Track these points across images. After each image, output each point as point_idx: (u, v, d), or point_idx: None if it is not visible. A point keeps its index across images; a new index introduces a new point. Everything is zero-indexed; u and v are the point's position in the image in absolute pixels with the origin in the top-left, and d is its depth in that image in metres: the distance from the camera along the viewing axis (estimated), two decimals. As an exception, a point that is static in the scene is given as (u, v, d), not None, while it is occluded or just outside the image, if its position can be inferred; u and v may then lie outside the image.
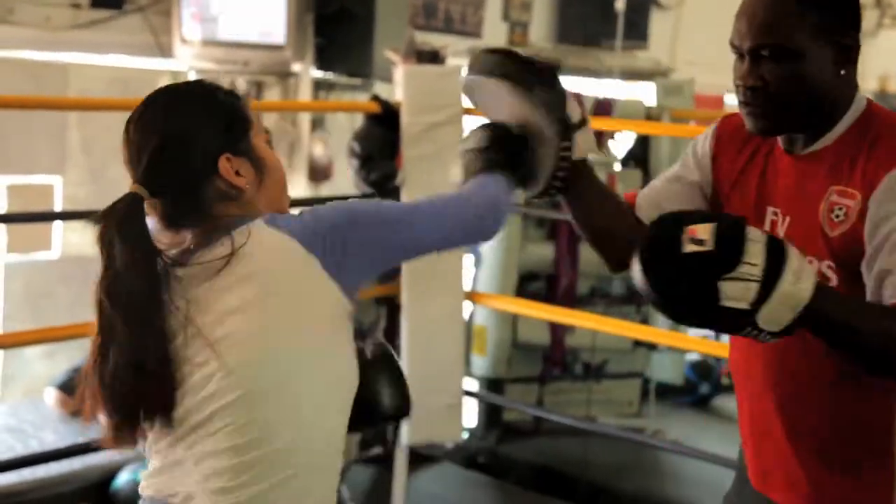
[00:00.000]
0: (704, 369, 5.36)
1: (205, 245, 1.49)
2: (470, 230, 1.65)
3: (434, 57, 4.32)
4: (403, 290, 3.73)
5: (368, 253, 1.52)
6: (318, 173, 5.15)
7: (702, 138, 1.85)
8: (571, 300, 4.76)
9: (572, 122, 1.71)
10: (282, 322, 1.46)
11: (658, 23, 6.94)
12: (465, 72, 1.85)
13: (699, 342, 4.82)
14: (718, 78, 5.73)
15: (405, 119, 3.72)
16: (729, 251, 1.41)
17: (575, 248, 4.77)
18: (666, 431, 4.82)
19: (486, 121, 1.84)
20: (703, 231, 1.42)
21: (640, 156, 4.98)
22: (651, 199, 1.86)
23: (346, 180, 5.17)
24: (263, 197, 1.56)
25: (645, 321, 4.99)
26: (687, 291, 1.42)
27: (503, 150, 1.76)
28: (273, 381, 1.46)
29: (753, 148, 1.77)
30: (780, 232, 1.69)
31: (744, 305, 1.40)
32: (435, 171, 3.74)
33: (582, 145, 1.73)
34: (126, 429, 1.49)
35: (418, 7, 5.60)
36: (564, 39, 6.55)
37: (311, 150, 5.12)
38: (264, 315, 1.45)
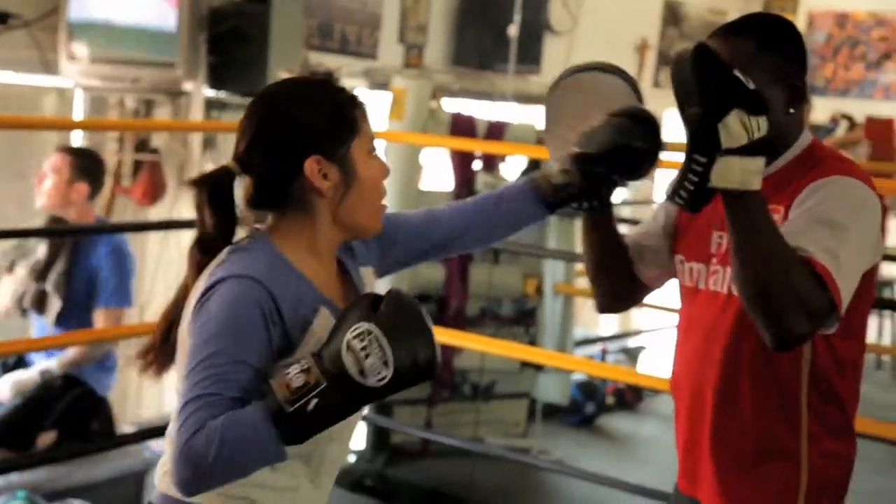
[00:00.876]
0: (590, 389, 5.46)
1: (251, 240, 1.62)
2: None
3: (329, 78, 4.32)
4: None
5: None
6: (209, 193, 5.10)
7: None
8: (461, 321, 4.81)
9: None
10: None
11: (551, 47, 7.07)
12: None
13: (584, 363, 4.94)
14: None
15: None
16: (760, 101, 1.63)
17: (465, 269, 4.83)
18: (551, 451, 4.89)
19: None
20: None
21: (530, 180, 5.05)
22: (632, 239, 2.07)
23: (237, 200, 5.15)
24: (345, 209, 1.61)
25: (533, 342, 5.08)
26: (715, 90, 1.60)
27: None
28: None
29: None
30: (721, 250, 1.88)
31: (733, 144, 1.59)
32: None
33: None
34: None
35: (313, 28, 5.60)
36: (459, 62, 6.62)
37: (203, 171, 5.07)
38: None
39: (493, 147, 4.72)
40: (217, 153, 5.14)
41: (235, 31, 4.99)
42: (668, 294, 2.27)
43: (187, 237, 5.03)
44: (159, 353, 1.65)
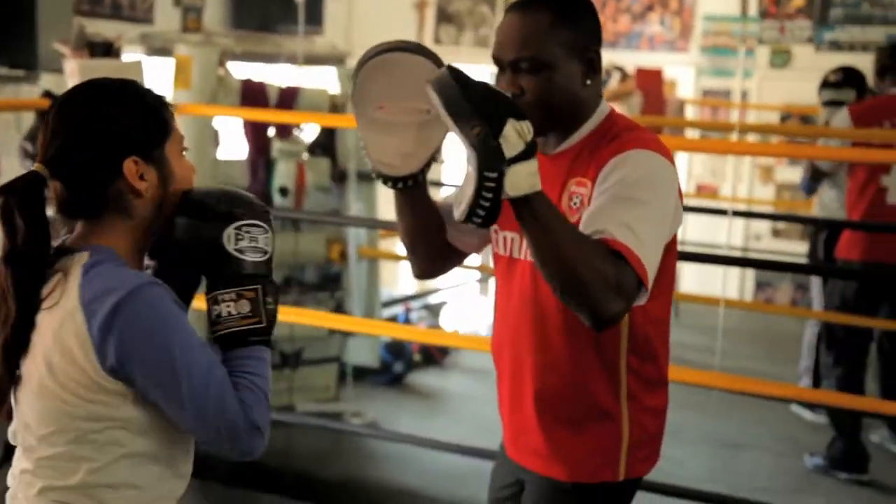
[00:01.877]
0: (397, 349, 5.50)
1: (67, 251, 1.54)
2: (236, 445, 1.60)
3: (108, 49, 4.11)
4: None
5: (140, 382, 1.52)
6: (-16, 172, 4.78)
7: None
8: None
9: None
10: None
11: (332, 7, 6.99)
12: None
13: (390, 327, 4.96)
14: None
15: (82, 116, 3.53)
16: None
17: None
18: (365, 413, 4.90)
19: None
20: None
21: (327, 144, 5.01)
22: (447, 212, 2.07)
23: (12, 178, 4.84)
24: (158, 212, 1.59)
25: (339, 307, 5.06)
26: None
27: None
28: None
29: None
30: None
31: (513, 151, 1.63)
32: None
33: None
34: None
35: (83, -8, 5.31)
36: (239, 25, 6.44)
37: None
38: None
39: (286, 117, 4.63)
40: (-13, 130, 4.81)
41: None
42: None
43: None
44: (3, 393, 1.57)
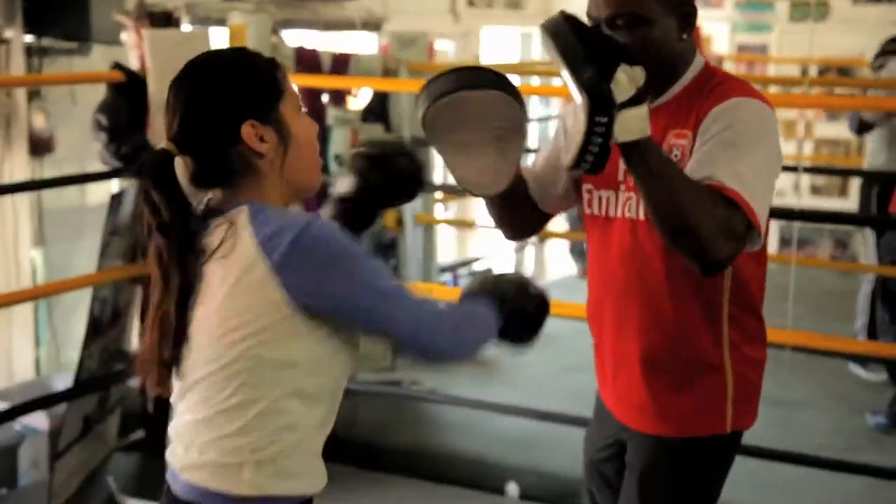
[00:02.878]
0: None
1: (218, 212, 1.59)
2: (420, 346, 1.64)
3: (168, 18, 4.11)
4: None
5: (334, 313, 1.57)
6: (40, 146, 4.80)
7: (569, 106, 2.13)
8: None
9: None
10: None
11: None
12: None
13: (449, 292, 4.97)
14: (425, 26, 5.86)
15: (152, 86, 3.55)
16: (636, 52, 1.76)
17: (320, 207, 4.74)
18: (422, 382, 4.93)
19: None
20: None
21: (379, 110, 5.00)
22: (532, 176, 2.12)
23: (69, 152, 4.87)
24: (287, 169, 1.63)
25: (395, 274, 5.08)
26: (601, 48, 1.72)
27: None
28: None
29: None
30: (630, 177, 1.90)
31: (623, 97, 1.67)
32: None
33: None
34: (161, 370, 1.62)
35: (127, -37, 5.29)
36: (278, -8, 6.43)
37: (31, 122, 4.75)
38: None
39: (341, 82, 4.63)
40: (43, 102, 4.82)
41: (51, -29, 4.66)
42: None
43: (21, 198, 4.73)
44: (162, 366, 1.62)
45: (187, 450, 1.62)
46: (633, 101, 1.67)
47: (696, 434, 2.00)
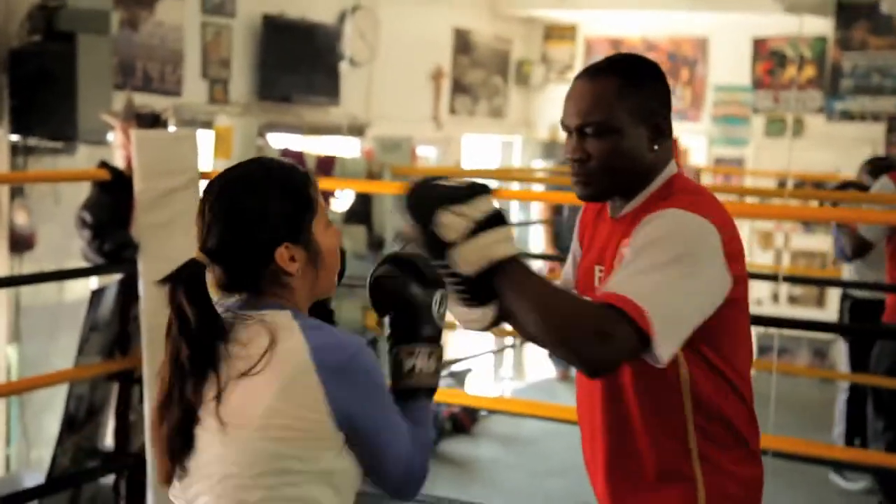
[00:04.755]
0: (429, 417, 5.47)
1: (251, 306, 1.65)
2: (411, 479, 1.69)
3: (155, 119, 4.17)
4: (145, 364, 3.55)
5: (355, 432, 1.61)
6: (21, 243, 4.80)
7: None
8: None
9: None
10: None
11: (350, 78, 7.10)
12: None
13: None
14: (407, 132, 5.96)
15: (139, 185, 3.57)
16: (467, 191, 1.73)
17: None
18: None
19: None
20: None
21: (362, 211, 5.05)
22: (563, 282, 2.12)
23: (49, 249, 4.87)
24: (311, 281, 1.69)
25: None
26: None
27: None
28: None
29: (599, 217, 2.03)
30: (600, 285, 1.92)
31: (450, 237, 1.69)
32: (171, 238, 3.62)
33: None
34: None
35: (114, 66, 5.38)
36: (264, 96, 6.54)
37: (12, 219, 4.77)
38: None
39: (326, 183, 4.68)
40: (25, 199, 4.85)
41: (39, 72, 4.73)
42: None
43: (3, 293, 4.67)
44: None
45: None
46: (477, 231, 1.69)
47: None
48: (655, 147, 1.88)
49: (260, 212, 1.63)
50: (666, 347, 1.70)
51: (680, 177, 1.92)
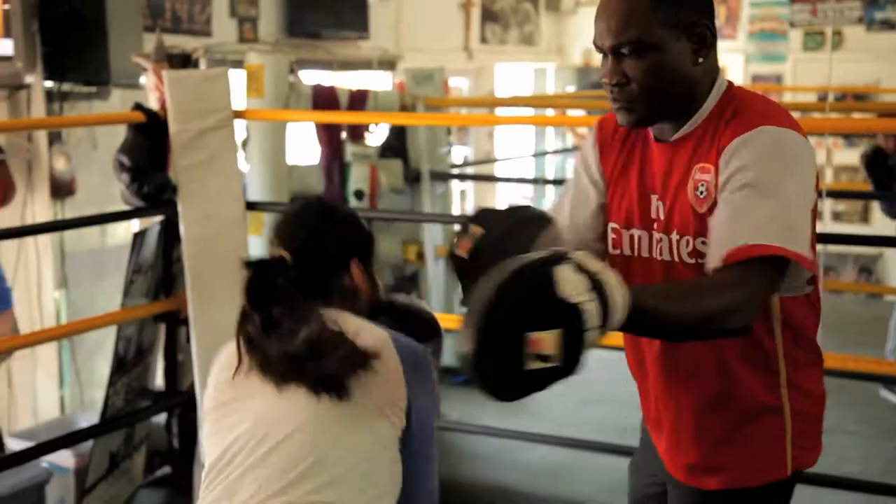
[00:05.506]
0: (473, 348, 5.48)
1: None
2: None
3: (186, 60, 4.15)
4: (190, 305, 3.58)
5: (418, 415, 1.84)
6: (62, 189, 4.83)
7: (585, 143, 1.95)
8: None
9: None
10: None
11: (378, 12, 7.03)
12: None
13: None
14: (439, 64, 5.90)
15: (173, 126, 3.57)
16: (575, 361, 1.36)
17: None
18: (447, 413, 4.90)
19: None
20: (549, 343, 1.32)
21: (397, 145, 5.02)
22: (564, 225, 1.92)
23: (89, 194, 4.90)
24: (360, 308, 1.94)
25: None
26: (523, 393, 1.39)
27: None
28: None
29: (631, 143, 1.86)
30: (661, 216, 1.78)
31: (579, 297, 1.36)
32: (209, 179, 3.62)
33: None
34: None
35: (143, 7, 5.36)
36: (293, 33, 6.50)
37: (52, 166, 4.79)
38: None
39: (359, 117, 4.66)
40: (64, 145, 4.87)
41: (70, 16, 4.72)
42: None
43: (43, 241, 4.75)
44: None
45: None
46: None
47: (748, 485, 1.85)
48: (700, 60, 1.71)
49: (347, 226, 1.94)
50: (810, 264, 1.65)
51: (738, 88, 1.78)
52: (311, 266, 1.88)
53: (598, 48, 1.74)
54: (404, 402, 1.79)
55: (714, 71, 1.76)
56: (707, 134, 1.72)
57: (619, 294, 1.39)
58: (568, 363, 1.34)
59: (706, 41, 1.71)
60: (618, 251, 1.87)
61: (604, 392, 5.37)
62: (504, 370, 1.34)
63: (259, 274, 1.82)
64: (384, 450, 1.77)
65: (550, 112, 6.67)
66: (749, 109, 1.70)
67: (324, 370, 1.73)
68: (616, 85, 1.71)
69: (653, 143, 1.81)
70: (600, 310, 1.36)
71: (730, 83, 1.79)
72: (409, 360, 1.81)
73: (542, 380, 1.35)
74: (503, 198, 8.72)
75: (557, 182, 6.94)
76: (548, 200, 7.77)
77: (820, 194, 1.75)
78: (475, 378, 1.36)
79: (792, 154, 1.65)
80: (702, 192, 1.70)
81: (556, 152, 8.28)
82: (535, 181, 7.80)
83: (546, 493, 4.15)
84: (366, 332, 1.81)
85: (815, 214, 1.74)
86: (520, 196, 8.75)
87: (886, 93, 7.64)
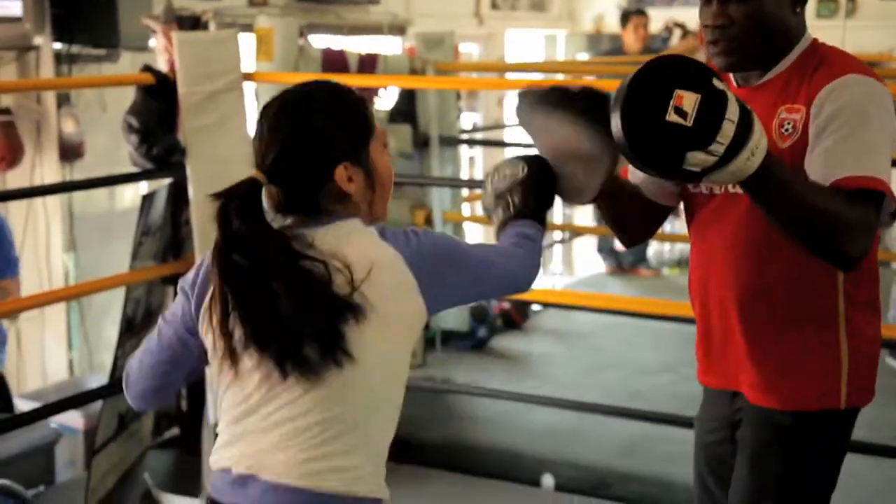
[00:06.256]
0: (481, 313, 5.51)
1: (310, 225, 1.65)
2: (516, 286, 1.83)
3: (196, 22, 4.14)
4: (199, 267, 3.59)
5: (453, 294, 1.71)
6: (70, 152, 4.83)
7: None
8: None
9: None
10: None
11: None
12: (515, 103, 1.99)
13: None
14: (449, 29, 5.86)
15: (182, 89, 3.57)
16: (706, 131, 1.56)
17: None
18: (454, 378, 4.93)
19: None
20: (689, 102, 1.56)
21: (407, 110, 5.01)
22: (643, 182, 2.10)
23: (98, 158, 4.90)
24: (367, 203, 1.70)
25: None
26: (658, 152, 1.60)
27: (537, 191, 1.91)
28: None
29: None
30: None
31: (698, 170, 1.60)
32: (218, 141, 3.62)
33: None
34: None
35: (153, -31, 5.32)
36: (302, -3, 6.46)
37: (61, 128, 4.79)
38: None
39: (369, 81, 4.64)
40: (72, 108, 4.86)
41: (78, -23, 4.69)
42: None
43: (52, 203, 4.75)
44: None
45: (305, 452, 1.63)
46: (724, 159, 1.59)
47: (808, 408, 1.95)
48: (798, 10, 1.89)
49: (321, 130, 1.64)
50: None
51: (822, 43, 1.94)
52: (287, 184, 1.65)
53: None
54: (424, 316, 1.67)
55: (803, 24, 1.92)
56: (794, 78, 1.87)
57: (760, 131, 1.60)
58: (698, 128, 1.55)
59: None
60: (699, 189, 2.01)
61: (615, 357, 5.40)
62: (648, 113, 1.57)
63: (225, 210, 1.61)
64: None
65: (561, 78, 6.64)
66: (835, 59, 1.86)
67: (312, 357, 1.60)
68: (720, 27, 1.85)
69: (734, 89, 1.94)
70: (741, 125, 1.57)
71: (814, 38, 1.94)
72: (424, 267, 1.64)
73: (674, 140, 1.56)
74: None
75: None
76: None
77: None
78: (620, 118, 1.59)
79: (876, 99, 1.81)
80: (787, 130, 1.85)
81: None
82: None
83: (552, 455, 4.18)
84: (359, 255, 1.61)
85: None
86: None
87: (900, 61, 7.58)
